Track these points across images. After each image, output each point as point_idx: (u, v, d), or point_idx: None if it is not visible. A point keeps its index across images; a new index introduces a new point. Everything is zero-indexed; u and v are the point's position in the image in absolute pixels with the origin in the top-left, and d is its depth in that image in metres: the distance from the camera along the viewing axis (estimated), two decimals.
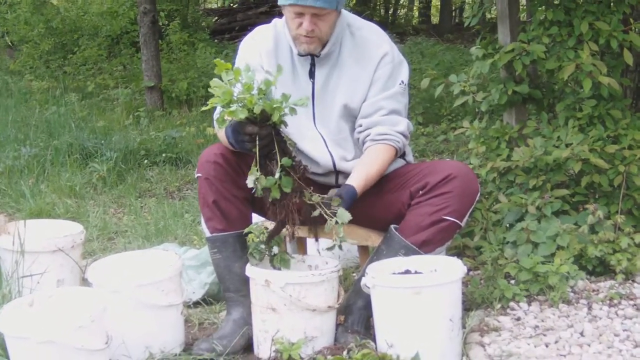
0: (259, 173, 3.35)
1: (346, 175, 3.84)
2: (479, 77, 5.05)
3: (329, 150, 3.81)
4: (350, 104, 3.81)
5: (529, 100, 5.08)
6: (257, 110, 3.28)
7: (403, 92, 3.86)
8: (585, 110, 4.67)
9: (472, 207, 3.72)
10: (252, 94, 3.29)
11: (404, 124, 3.82)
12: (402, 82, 3.85)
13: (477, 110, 5.25)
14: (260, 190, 3.36)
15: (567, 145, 4.54)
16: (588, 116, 4.68)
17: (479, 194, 3.75)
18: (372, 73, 3.81)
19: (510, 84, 4.89)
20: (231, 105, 3.30)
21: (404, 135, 3.80)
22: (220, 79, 3.35)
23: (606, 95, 4.61)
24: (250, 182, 3.37)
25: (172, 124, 9.56)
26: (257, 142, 3.33)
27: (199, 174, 3.76)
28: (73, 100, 10.53)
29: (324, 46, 3.79)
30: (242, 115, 3.28)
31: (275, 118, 3.30)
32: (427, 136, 8.43)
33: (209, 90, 3.40)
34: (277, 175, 3.35)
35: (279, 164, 3.36)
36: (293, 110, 3.35)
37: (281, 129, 3.41)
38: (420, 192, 3.71)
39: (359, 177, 3.64)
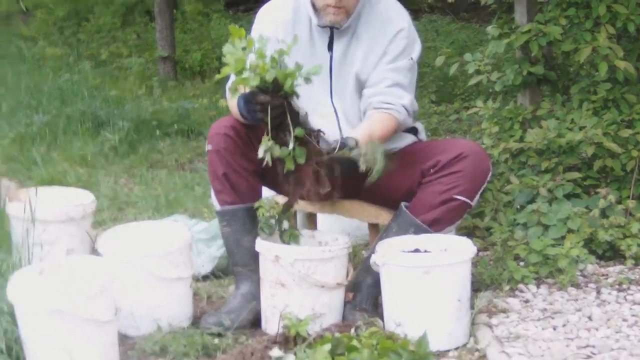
0: (270, 143, 3.33)
1: None
2: (494, 56, 5.02)
3: (339, 128, 3.80)
4: (361, 75, 3.79)
5: (543, 82, 5.06)
6: (269, 77, 3.25)
7: (410, 68, 3.84)
8: (600, 93, 4.65)
9: (483, 186, 3.72)
10: (265, 62, 3.27)
11: (407, 98, 3.80)
12: (412, 58, 3.84)
13: (490, 90, 5.23)
14: (271, 160, 3.34)
15: (580, 128, 4.52)
16: (603, 99, 4.66)
17: (490, 174, 3.74)
18: (386, 46, 3.80)
19: (526, 64, 4.87)
20: (243, 72, 3.28)
21: (407, 110, 3.78)
22: (234, 45, 3.33)
23: (621, 79, 4.59)
24: (261, 152, 3.35)
25: (185, 95, 9.53)
26: (269, 112, 3.31)
27: (209, 146, 3.75)
28: (86, 68, 10.51)
29: (346, 20, 3.77)
30: (254, 82, 3.26)
31: (287, 87, 3.27)
32: (440, 115, 8.39)
33: (222, 60, 3.38)
34: (291, 146, 3.34)
35: (292, 134, 3.34)
36: (308, 80, 3.33)
37: (293, 101, 3.39)
38: (432, 170, 3.70)
39: (363, 132, 3.61)
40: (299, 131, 3.35)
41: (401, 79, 3.81)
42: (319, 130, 3.49)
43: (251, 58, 3.31)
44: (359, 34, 3.81)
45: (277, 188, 3.94)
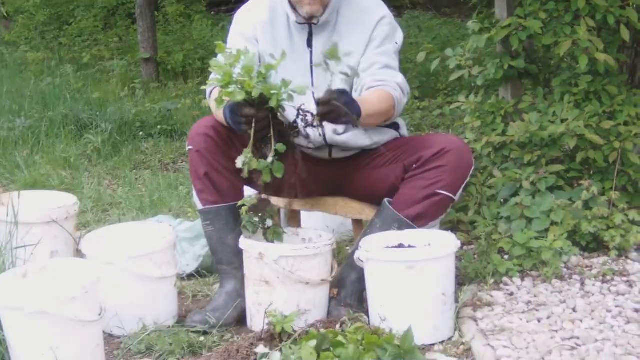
0: (250, 155, 3.35)
1: (340, 148, 3.84)
2: (475, 51, 5.03)
3: (320, 125, 3.81)
4: (349, 64, 3.78)
5: (524, 75, 5.06)
6: (255, 93, 3.27)
7: (397, 52, 3.87)
8: (581, 85, 4.65)
9: (466, 181, 3.73)
10: (252, 77, 3.28)
11: (400, 77, 3.81)
12: (397, 43, 3.87)
13: (473, 84, 5.23)
14: (247, 172, 3.36)
15: (562, 121, 4.53)
16: (584, 92, 4.67)
17: (472, 168, 3.75)
18: (370, 33, 3.82)
19: (507, 58, 4.88)
20: (229, 86, 3.29)
21: (401, 88, 3.77)
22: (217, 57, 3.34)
23: (602, 71, 4.60)
24: (239, 162, 3.39)
25: (168, 96, 9.53)
26: (254, 125, 3.32)
27: (190, 147, 3.76)
28: (68, 72, 10.49)
29: (323, 11, 3.77)
30: (240, 97, 3.28)
31: (273, 103, 3.29)
32: (423, 110, 8.41)
33: (209, 69, 3.39)
34: (269, 160, 3.36)
35: (273, 148, 3.35)
36: (291, 98, 3.33)
37: (280, 114, 3.40)
38: (414, 165, 3.71)
39: (359, 98, 3.61)
40: (280, 146, 3.37)
41: (390, 61, 3.82)
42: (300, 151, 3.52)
43: (237, 70, 3.31)
44: (340, 28, 3.81)
45: (258, 187, 3.94)
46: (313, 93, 3.76)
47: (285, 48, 3.74)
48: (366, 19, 3.82)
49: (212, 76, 3.61)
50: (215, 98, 3.39)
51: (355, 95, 3.72)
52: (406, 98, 3.84)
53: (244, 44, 3.71)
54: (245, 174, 3.39)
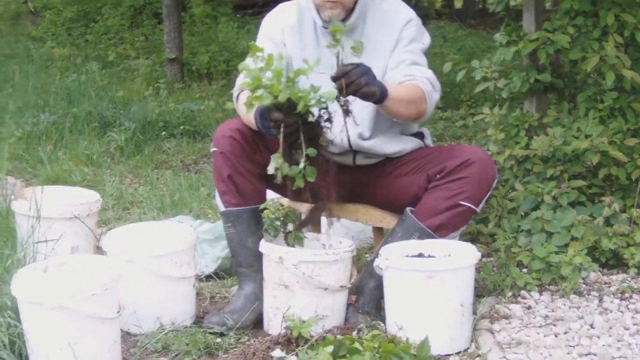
0: (281, 161, 3.34)
1: (365, 154, 3.84)
2: (501, 63, 5.02)
3: (346, 128, 3.80)
4: (377, 68, 3.77)
5: (550, 89, 5.06)
6: (282, 98, 3.25)
7: (424, 52, 3.85)
8: (606, 102, 4.65)
9: (489, 193, 3.72)
10: (280, 82, 3.28)
11: (430, 72, 3.76)
12: (424, 44, 3.86)
13: (497, 97, 5.23)
14: (281, 177, 3.36)
15: (586, 136, 4.53)
16: (609, 108, 4.66)
17: (496, 181, 3.74)
18: (398, 35, 3.80)
19: (533, 72, 4.87)
20: (258, 90, 3.30)
21: (432, 83, 3.72)
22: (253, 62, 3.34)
23: (628, 88, 4.59)
24: (271, 169, 3.36)
25: (192, 96, 9.56)
26: (282, 130, 3.33)
27: (215, 148, 3.76)
28: (94, 69, 10.52)
29: (348, 16, 3.77)
30: (267, 101, 3.26)
31: (300, 107, 3.28)
32: (446, 120, 8.41)
33: (238, 71, 3.38)
34: (301, 165, 3.34)
35: (304, 153, 3.35)
36: (319, 103, 3.33)
37: (314, 121, 3.39)
38: (438, 175, 3.70)
39: (386, 83, 3.57)
40: (311, 151, 3.35)
41: (418, 59, 3.80)
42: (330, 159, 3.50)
43: (268, 75, 3.32)
44: (367, 31, 3.80)
45: (281, 191, 3.95)
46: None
47: (312, 52, 3.76)
48: (393, 21, 3.81)
49: (239, 78, 3.61)
50: (245, 102, 3.40)
51: None
52: (437, 94, 3.77)
53: (272, 48, 3.73)
54: (279, 180, 3.36)
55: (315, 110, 3.37)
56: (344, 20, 3.76)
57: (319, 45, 3.84)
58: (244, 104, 3.36)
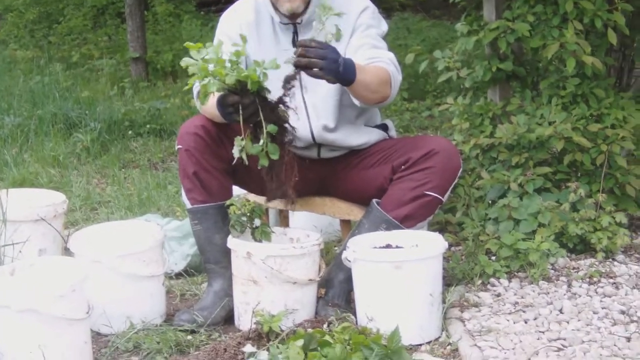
0: (243, 142, 3.34)
1: (329, 147, 3.85)
2: (463, 53, 5.04)
3: (309, 122, 3.81)
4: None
5: (513, 78, 5.07)
6: (229, 81, 3.26)
7: (382, 40, 3.83)
8: (568, 88, 4.67)
9: (454, 182, 3.74)
10: (225, 67, 3.28)
11: (391, 54, 3.76)
12: (382, 30, 3.85)
13: (461, 86, 5.25)
14: (247, 159, 3.35)
15: (550, 123, 4.55)
16: (571, 94, 4.68)
17: (461, 170, 3.76)
18: (353, 23, 3.78)
19: (495, 61, 4.89)
20: (206, 78, 3.30)
21: (394, 64, 3.71)
22: (191, 57, 3.33)
23: (590, 74, 4.61)
24: (236, 152, 3.36)
25: (157, 95, 9.53)
26: (241, 112, 3.32)
27: (179, 146, 3.76)
28: (57, 70, 10.46)
29: (305, 9, 3.77)
30: (214, 87, 3.27)
31: (250, 85, 3.28)
32: (412, 112, 8.43)
33: (183, 67, 3.38)
34: (261, 142, 3.34)
35: (265, 130, 3.35)
36: (265, 76, 3.32)
37: (268, 96, 3.38)
38: (403, 167, 3.71)
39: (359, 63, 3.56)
40: (271, 127, 3.35)
41: (378, 43, 3.79)
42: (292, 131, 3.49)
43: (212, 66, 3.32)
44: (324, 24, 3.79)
45: (247, 186, 3.96)
46: (303, 92, 3.77)
47: (270, 49, 3.76)
48: (348, 11, 3.76)
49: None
50: (198, 96, 3.39)
51: None
52: (400, 75, 3.75)
53: (230, 46, 3.73)
54: (245, 161, 3.36)
55: (271, 87, 3.36)
56: (302, 13, 3.76)
57: (277, 40, 3.83)
58: (198, 98, 3.36)
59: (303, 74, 3.42)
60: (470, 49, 4.90)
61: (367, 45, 3.76)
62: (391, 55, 3.76)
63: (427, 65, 5.18)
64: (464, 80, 5.04)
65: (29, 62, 11.50)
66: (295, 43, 3.77)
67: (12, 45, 13.15)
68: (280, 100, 3.41)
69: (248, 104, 3.32)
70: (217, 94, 3.39)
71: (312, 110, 3.81)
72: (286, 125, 3.43)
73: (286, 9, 3.74)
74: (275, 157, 3.37)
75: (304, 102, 3.81)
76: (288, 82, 3.41)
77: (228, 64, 3.29)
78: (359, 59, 3.65)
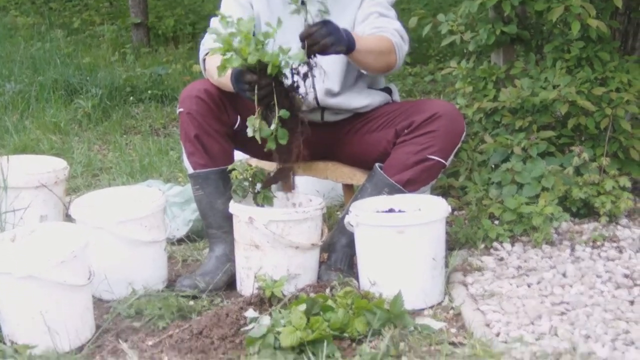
0: (258, 122, 3.35)
1: (333, 110, 3.83)
2: (467, 16, 5.00)
3: (313, 85, 3.78)
4: (345, 23, 3.76)
5: (517, 41, 5.05)
6: (251, 60, 3.25)
7: (391, 8, 3.84)
8: (573, 52, 4.64)
9: (458, 146, 3.72)
10: (250, 45, 3.26)
11: (398, 24, 3.77)
12: (389, 2, 3.85)
13: (465, 50, 5.22)
14: (260, 139, 3.36)
15: (554, 87, 4.52)
16: (576, 58, 4.65)
17: (464, 134, 3.73)
18: None
19: (499, 24, 4.85)
20: (228, 53, 3.28)
21: (400, 34, 3.73)
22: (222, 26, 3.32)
23: (595, 37, 4.58)
24: (250, 131, 3.37)
25: (159, 61, 9.49)
26: (256, 92, 3.31)
27: (181, 109, 3.74)
28: (58, 37, 10.43)
29: None
30: (236, 63, 3.27)
31: (269, 69, 3.27)
32: (415, 76, 8.40)
33: (209, 32, 3.36)
34: (272, 127, 3.35)
35: (277, 115, 3.34)
36: (287, 65, 3.32)
37: (286, 81, 3.39)
38: (406, 130, 3.69)
39: (355, 34, 3.57)
40: (283, 112, 3.35)
41: (386, 11, 3.80)
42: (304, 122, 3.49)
43: (237, 39, 3.30)
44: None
45: (249, 151, 3.94)
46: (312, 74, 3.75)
47: (279, 11, 3.73)
48: None
49: (205, 40, 3.60)
50: (217, 65, 3.36)
51: None
52: (406, 45, 3.77)
53: (239, 11, 3.72)
54: (259, 140, 3.37)
55: (287, 72, 3.36)
56: None
57: (285, 4, 3.80)
58: (217, 67, 3.33)
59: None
60: (474, 12, 4.86)
61: (376, 13, 3.77)
62: (397, 25, 3.76)
63: (431, 29, 5.15)
64: (468, 44, 5.01)
65: (29, 28, 11.45)
66: (303, 2, 3.74)
67: (12, 12, 13.08)
68: (294, 88, 3.42)
69: (264, 85, 3.32)
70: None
71: (318, 75, 3.78)
72: (298, 113, 3.44)
73: None
74: (283, 141, 3.38)
75: (307, 65, 3.78)
76: (306, 75, 3.42)
77: (253, 42, 3.27)
78: (365, 27, 3.69)
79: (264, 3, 3.80)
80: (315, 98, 3.78)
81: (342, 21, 3.62)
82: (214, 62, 3.54)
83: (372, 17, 3.76)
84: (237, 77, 3.40)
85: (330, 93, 3.80)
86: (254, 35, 3.33)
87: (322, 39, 3.32)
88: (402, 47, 3.73)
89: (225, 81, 3.57)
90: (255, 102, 3.33)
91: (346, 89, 3.83)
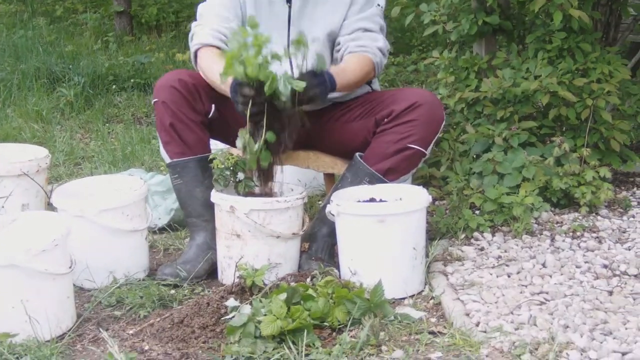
0: (248, 137, 3.39)
1: (312, 113, 3.83)
2: (449, 7, 5.01)
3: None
4: (333, 29, 3.79)
5: (499, 32, 5.06)
6: (250, 72, 3.29)
7: (379, 14, 3.86)
8: (555, 42, 4.65)
9: (437, 135, 3.74)
10: (256, 61, 3.31)
11: (382, 41, 3.82)
12: (379, 4, 3.86)
13: (447, 40, 5.23)
14: (248, 152, 3.43)
15: (535, 77, 4.54)
16: (558, 49, 4.66)
17: (444, 122, 3.75)
18: None
19: (481, 14, 4.86)
20: (234, 60, 3.32)
21: (382, 52, 3.80)
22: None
23: (576, 28, 4.59)
24: (239, 144, 3.42)
25: (141, 49, 9.45)
26: (249, 107, 3.34)
27: (156, 99, 3.76)
28: (41, 24, 10.38)
29: None
30: (237, 74, 3.32)
31: (266, 88, 3.30)
32: (398, 66, 8.40)
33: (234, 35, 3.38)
34: (256, 147, 3.39)
35: (263, 137, 3.38)
36: (286, 88, 3.34)
37: (279, 106, 3.43)
38: (385, 119, 3.71)
39: (336, 69, 3.64)
40: (270, 136, 3.39)
41: (372, 25, 3.82)
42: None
43: (250, 51, 3.35)
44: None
45: (226, 140, 3.95)
46: (290, 60, 3.75)
47: (263, 3, 3.74)
48: None
49: (196, 32, 3.63)
50: (220, 72, 3.38)
51: (334, 53, 3.82)
52: (386, 59, 3.87)
53: (229, 5, 3.78)
54: (247, 155, 3.44)
55: (284, 97, 3.38)
56: None
57: None
58: (220, 74, 3.35)
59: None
60: (456, 2, 4.88)
61: (361, 30, 3.81)
62: (381, 42, 3.82)
63: (413, 19, 5.14)
64: (450, 34, 5.02)
65: (12, 16, 11.39)
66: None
67: None
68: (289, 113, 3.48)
69: (258, 102, 3.35)
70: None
71: (297, 67, 3.79)
72: (285, 134, 3.48)
73: None
74: (264, 164, 3.46)
75: (289, 59, 3.79)
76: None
77: (260, 59, 3.32)
78: (350, 43, 3.77)
79: None
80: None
81: (330, 20, 3.74)
82: (211, 62, 3.63)
83: (358, 33, 3.80)
84: (235, 88, 3.41)
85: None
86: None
87: (311, 90, 3.41)
88: (382, 62, 3.85)
89: (218, 84, 3.59)
90: (247, 117, 3.36)
91: None
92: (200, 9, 3.87)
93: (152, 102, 3.79)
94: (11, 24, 10.68)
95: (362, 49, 3.77)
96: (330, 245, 3.72)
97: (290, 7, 3.81)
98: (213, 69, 3.58)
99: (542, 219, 4.18)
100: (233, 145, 3.64)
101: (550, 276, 3.55)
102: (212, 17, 3.81)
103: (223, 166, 3.58)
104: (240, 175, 3.62)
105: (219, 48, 3.74)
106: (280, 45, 3.77)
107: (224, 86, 3.53)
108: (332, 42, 3.84)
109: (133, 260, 3.66)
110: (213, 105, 3.77)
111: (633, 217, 4.30)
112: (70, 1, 12.51)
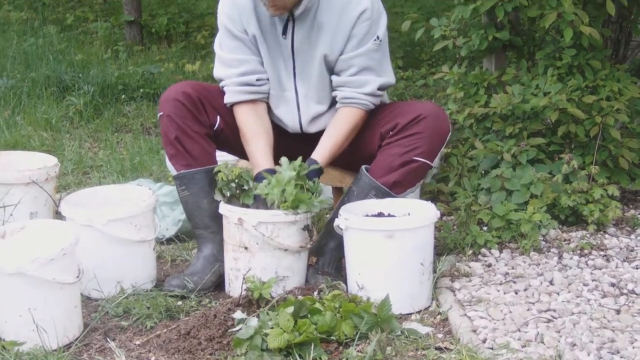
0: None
1: (315, 136, 3.86)
2: (460, 22, 5.01)
3: (299, 113, 3.82)
4: (329, 55, 3.77)
5: (509, 47, 5.06)
6: (270, 198, 3.53)
7: (377, 49, 3.80)
8: (565, 59, 4.65)
9: (443, 147, 3.75)
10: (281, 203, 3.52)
11: (373, 83, 3.79)
12: (378, 37, 3.78)
13: (457, 55, 5.23)
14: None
15: (545, 94, 4.54)
16: (567, 65, 4.66)
17: (449, 134, 3.75)
18: (350, 29, 3.74)
19: (491, 29, 4.87)
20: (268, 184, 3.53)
21: (372, 94, 3.78)
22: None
23: (586, 45, 4.59)
24: (218, 196, 3.62)
25: (151, 59, 9.47)
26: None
27: (161, 113, 3.77)
28: (52, 33, 10.40)
29: (298, 5, 3.71)
30: (250, 197, 3.61)
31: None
32: (407, 80, 8.40)
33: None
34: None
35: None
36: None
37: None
38: (391, 132, 3.71)
39: (325, 148, 3.72)
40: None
41: (369, 62, 3.79)
42: None
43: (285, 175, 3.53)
44: (320, 19, 3.73)
45: (232, 150, 3.95)
46: (295, 80, 3.79)
47: (267, 33, 3.78)
48: (348, 10, 3.74)
49: (222, 73, 3.81)
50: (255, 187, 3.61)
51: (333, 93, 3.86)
52: (382, 96, 3.89)
53: (232, 43, 3.81)
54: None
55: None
56: (293, 8, 3.71)
57: (273, 25, 3.78)
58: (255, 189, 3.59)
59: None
60: (467, 17, 4.87)
61: (356, 67, 3.79)
62: (371, 87, 3.80)
63: (423, 34, 5.15)
64: (460, 49, 5.02)
65: (23, 23, 11.42)
66: (285, 31, 3.75)
67: (6, 7, 13.06)
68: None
69: (254, 207, 3.60)
70: (261, 167, 3.69)
71: (303, 98, 3.80)
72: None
73: (270, 15, 3.71)
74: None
75: (296, 90, 3.80)
76: None
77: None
78: (342, 88, 3.81)
79: (254, 22, 3.77)
80: (300, 124, 3.87)
81: (330, 48, 3.75)
82: (245, 131, 3.81)
83: (348, 75, 3.79)
84: (249, 191, 3.63)
85: (316, 115, 3.87)
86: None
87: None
88: (375, 102, 3.84)
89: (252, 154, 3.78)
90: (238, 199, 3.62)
91: (333, 105, 3.88)
92: (218, 50, 3.89)
93: (158, 116, 3.80)
94: (22, 31, 10.71)
95: (350, 101, 3.78)
96: (337, 259, 3.72)
97: (293, 39, 3.79)
98: (246, 138, 3.78)
99: (550, 236, 4.18)
100: (240, 156, 3.66)
101: (558, 294, 3.55)
102: (233, 62, 3.85)
103: (227, 179, 3.59)
104: (246, 186, 3.63)
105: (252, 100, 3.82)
106: (287, 74, 3.80)
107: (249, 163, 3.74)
108: (328, 66, 3.82)
109: (141, 271, 3.66)
110: (219, 117, 3.78)
111: None
112: (81, 10, 12.56)
